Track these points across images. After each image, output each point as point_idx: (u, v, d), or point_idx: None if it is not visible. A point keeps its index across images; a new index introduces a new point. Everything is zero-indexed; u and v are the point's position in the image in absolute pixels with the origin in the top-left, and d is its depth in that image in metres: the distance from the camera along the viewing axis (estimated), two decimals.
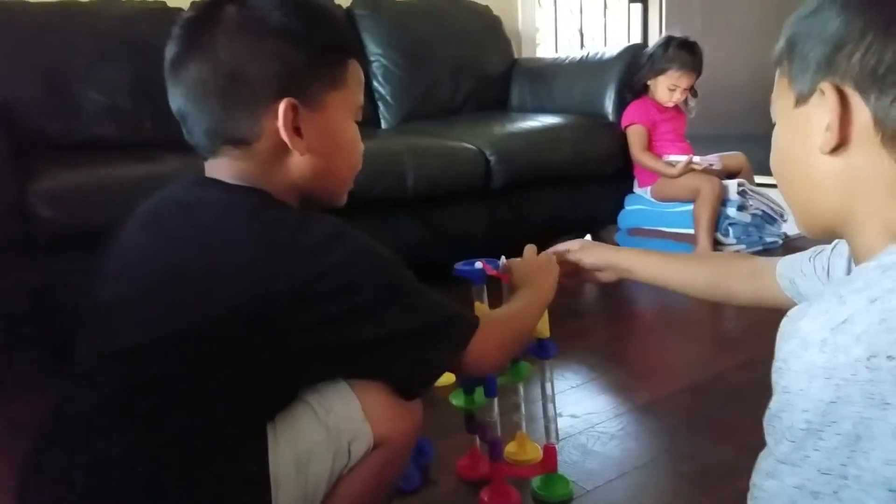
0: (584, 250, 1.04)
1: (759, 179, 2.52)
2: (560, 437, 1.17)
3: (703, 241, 2.28)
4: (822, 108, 0.52)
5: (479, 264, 1.00)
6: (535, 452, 1.17)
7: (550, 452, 1.08)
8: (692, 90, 2.48)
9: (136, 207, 0.80)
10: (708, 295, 0.98)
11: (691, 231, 2.34)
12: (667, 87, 2.43)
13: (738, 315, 1.86)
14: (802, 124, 0.55)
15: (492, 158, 2.09)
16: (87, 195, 1.56)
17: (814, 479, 0.48)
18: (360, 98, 0.83)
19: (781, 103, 0.58)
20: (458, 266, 1.02)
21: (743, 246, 2.38)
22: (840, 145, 0.52)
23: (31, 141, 1.79)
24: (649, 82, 2.46)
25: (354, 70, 0.81)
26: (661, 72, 2.42)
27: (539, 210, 2.28)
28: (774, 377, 0.50)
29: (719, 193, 2.31)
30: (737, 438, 1.22)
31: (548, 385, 1.08)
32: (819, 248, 0.83)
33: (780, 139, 0.59)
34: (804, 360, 0.48)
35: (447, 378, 1.52)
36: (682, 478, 1.14)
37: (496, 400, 1.06)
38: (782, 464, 0.50)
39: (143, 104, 2.02)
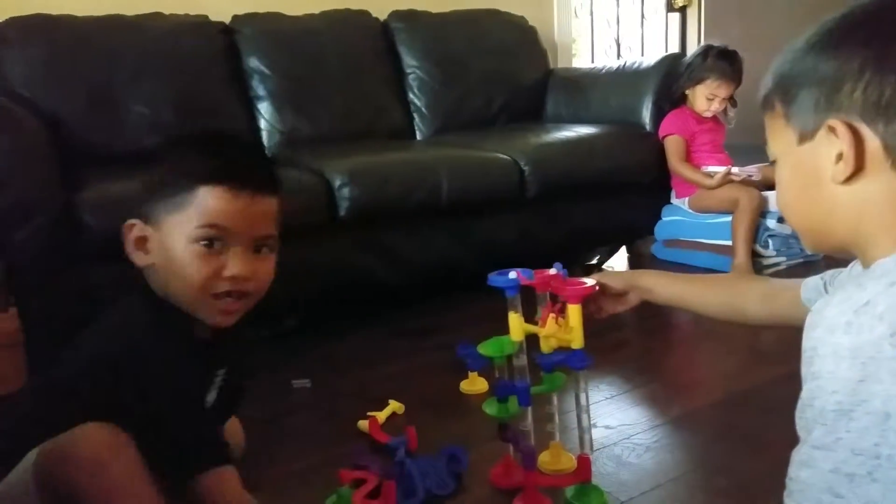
0: (605, 277, 1.06)
1: None
2: (594, 448, 1.16)
3: (741, 253, 2.24)
4: (829, 143, 0.57)
5: (513, 274, 1.01)
6: (569, 462, 1.17)
7: (585, 462, 1.08)
8: (731, 100, 2.45)
9: None
10: (723, 315, 1.00)
11: (730, 243, 2.30)
12: (705, 97, 2.40)
13: (775, 329, 1.83)
14: (810, 159, 0.59)
15: (526, 168, 2.10)
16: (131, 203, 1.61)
17: (848, 460, 0.50)
18: (202, 224, 0.89)
19: (781, 142, 0.62)
20: (493, 276, 1.03)
21: (783, 258, 2.34)
22: (854, 174, 0.56)
23: (78, 153, 1.85)
24: (687, 92, 2.43)
25: (204, 197, 0.88)
26: (700, 81, 2.40)
27: (574, 221, 2.28)
28: (804, 369, 0.53)
29: (758, 205, 2.27)
30: (774, 453, 1.17)
31: (582, 395, 1.07)
32: (834, 271, 0.84)
33: (787, 176, 0.63)
34: (831, 344, 0.51)
35: (480, 386, 1.54)
36: (719, 492, 1.13)
37: (530, 409, 1.06)
38: (816, 450, 0.52)
39: (186, 117, 2.08)
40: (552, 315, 1.02)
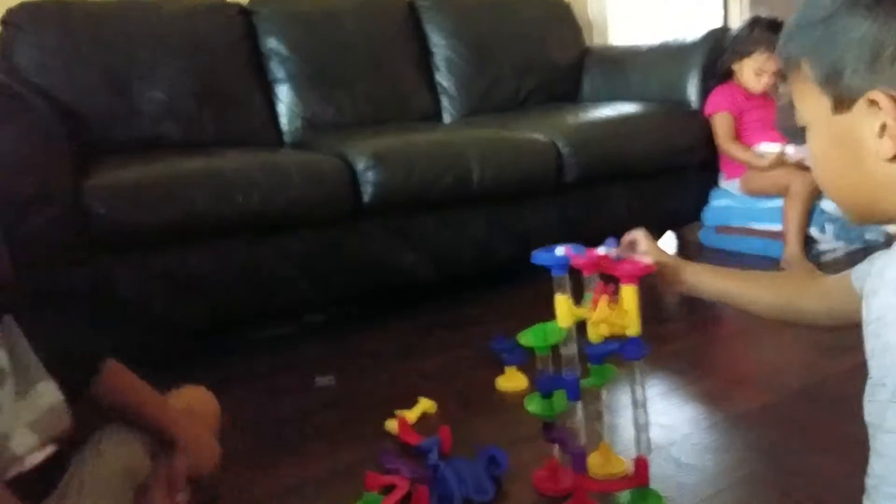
0: (660, 254, 0.92)
1: None
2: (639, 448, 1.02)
3: (793, 241, 2.07)
4: (872, 115, 0.51)
5: (561, 250, 0.88)
6: (619, 465, 1.04)
7: (642, 465, 0.94)
8: (781, 74, 2.28)
9: None
10: (775, 313, 0.88)
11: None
12: (753, 72, 2.23)
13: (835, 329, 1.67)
14: (848, 133, 0.54)
15: (565, 151, 1.96)
16: (142, 192, 1.52)
17: None
18: None
19: (812, 109, 0.57)
20: (538, 253, 0.90)
21: (842, 243, 2.16)
22: None
23: (92, 141, 1.78)
24: (734, 66, 2.27)
25: None
26: (747, 55, 2.23)
27: (616, 207, 2.13)
28: (870, 344, 0.48)
29: (813, 189, 2.09)
30: (846, 451, 1.06)
31: (638, 389, 0.94)
32: (879, 253, 0.71)
33: (822, 147, 0.58)
34: None
35: (518, 382, 1.41)
36: (787, 496, 0.99)
37: (580, 405, 0.93)
38: (891, 434, 0.47)
39: (205, 103, 1.99)
40: (604, 297, 0.89)
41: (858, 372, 1.30)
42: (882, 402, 0.48)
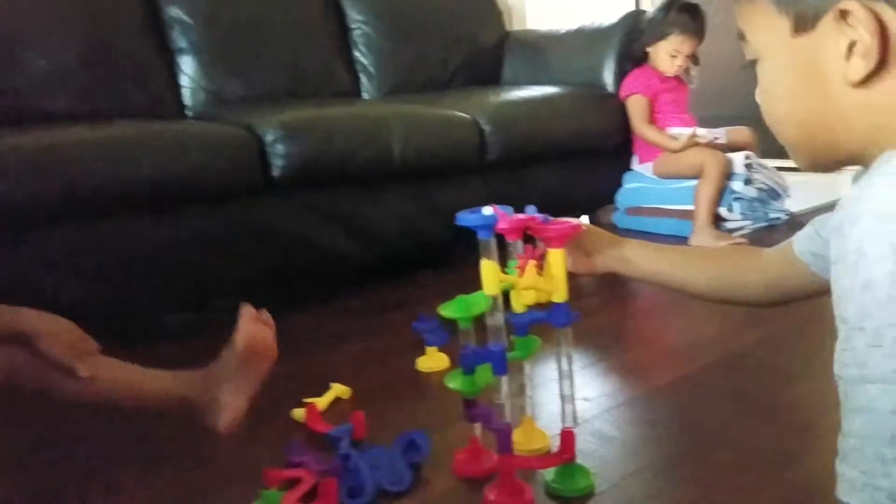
0: (592, 228, 0.90)
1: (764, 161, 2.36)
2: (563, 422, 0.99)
3: (703, 219, 2.12)
4: (839, 32, 0.46)
5: (489, 210, 0.82)
6: (543, 440, 1.00)
7: (568, 438, 0.90)
8: (694, 58, 2.32)
9: None
10: (716, 293, 0.83)
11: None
12: (668, 54, 2.26)
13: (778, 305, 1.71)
14: (810, 57, 0.48)
15: (486, 128, 1.92)
16: (11, 164, 1.34)
17: None
18: None
19: (765, 34, 0.51)
20: (463, 214, 0.84)
21: (748, 222, 2.23)
22: (874, 71, 0.45)
23: None
24: (649, 49, 2.30)
25: None
26: (662, 37, 2.26)
27: (537, 187, 2.11)
28: (841, 284, 0.42)
29: (725, 169, 2.15)
30: (771, 418, 1.07)
31: (563, 359, 0.90)
32: (823, 216, 0.70)
33: (778, 77, 0.52)
34: (885, 236, 0.40)
35: (440, 362, 1.35)
36: (721, 465, 0.97)
37: (505, 379, 0.87)
38: (873, 385, 0.41)
39: (98, 73, 1.83)
40: (532, 263, 0.84)
41: (775, 341, 1.30)
42: (861, 348, 0.42)
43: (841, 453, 0.45)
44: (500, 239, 0.89)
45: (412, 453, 0.98)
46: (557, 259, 0.85)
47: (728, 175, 2.18)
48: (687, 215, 2.20)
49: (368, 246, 1.79)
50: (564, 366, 0.89)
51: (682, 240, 2.13)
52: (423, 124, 1.82)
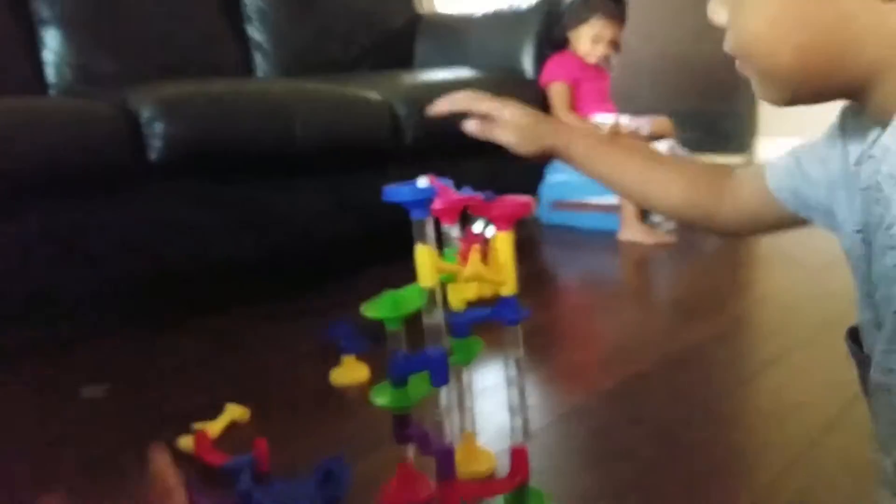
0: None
1: None
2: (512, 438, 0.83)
3: (631, 212, 2.03)
4: None
5: (423, 181, 0.65)
6: (488, 460, 0.84)
7: (520, 457, 0.73)
8: (616, 44, 2.24)
9: None
10: (682, 214, 0.68)
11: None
12: (590, 39, 2.16)
13: (690, 282, 1.62)
14: None
15: (401, 112, 1.73)
16: None
17: None
18: None
19: None
20: (391, 188, 0.65)
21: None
22: None
23: None
24: (570, 34, 2.19)
25: None
26: (584, 21, 2.16)
27: (457, 180, 1.93)
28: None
29: None
30: (733, 417, 0.96)
31: (511, 364, 0.73)
32: (805, 145, 0.59)
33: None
34: None
35: (358, 374, 1.16)
36: (690, 475, 0.84)
37: (444, 390, 0.70)
38: None
39: None
40: (476, 248, 0.67)
41: (721, 337, 1.18)
42: None
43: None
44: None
45: (329, 486, 0.78)
46: (505, 243, 0.69)
47: None
48: (613, 209, 2.10)
49: (268, 243, 1.57)
50: (512, 371, 0.73)
51: (609, 235, 2.04)
52: (328, 105, 1.61)
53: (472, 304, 0.78)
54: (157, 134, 1.35)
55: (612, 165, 0.67)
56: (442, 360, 0.67)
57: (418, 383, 0.74)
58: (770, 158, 0.61)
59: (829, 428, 0.91)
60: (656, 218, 2.12)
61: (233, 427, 0.98)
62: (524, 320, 0.70)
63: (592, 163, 0.67)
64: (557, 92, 2.15)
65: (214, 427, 0.96)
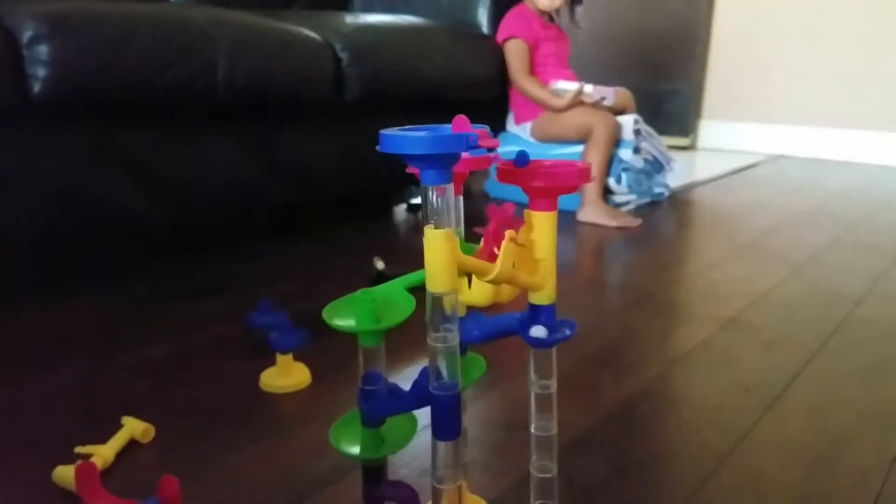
0: None
1: None
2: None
3: (593, 190, 1.86)
4: None
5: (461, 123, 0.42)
6: None
7: None
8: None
9: None
10: None
11: None
12: None
13: (644, 270, 1.47)
14: None
15: (344, 56, 1.48)
16: None
17: None
18: None
19: None
20: (388, 133, 0.42)
21: (634, 196, 2.01)
22: None
23: None
24: None
25: None
26: None
27: None
28: None
29: (614, 134, 1.91)
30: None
31: (541, 397, 0.53)
32: None
33: None
34: None
35: (297, 377, 0.93)
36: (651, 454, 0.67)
37: (451, 446, 0.48)
38: None
39: None
40: (510, 235, 0.46)
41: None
42: None
43: None
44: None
45: None
46: (547, 228, 0.48)
47: (616, 141, 1.93)
48: None
49: (176, 205, 1.29)
50: (545, 418, 0.52)
51: (568, 215, 1.86)
52: (259, 41, 1.34)
53: (472, 309, 0.57)
54: (41, 60, 1.04)
55: None
56: (452, 402, 0.45)
57: (403, 426, 0.53)
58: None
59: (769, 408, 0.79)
60: (617, 198, 1.96)
61: (131, 450, 0.74)
62: (563, 342, 0.49)
63: None
64: (515, 51, 1.95)
65: (106, 451, 0.71)
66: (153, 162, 1.23)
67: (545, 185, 0.46)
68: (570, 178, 0.46)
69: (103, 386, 0.88)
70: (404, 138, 0.39)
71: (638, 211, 1.98)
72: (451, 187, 0.42)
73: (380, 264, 1.16)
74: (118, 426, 0.76)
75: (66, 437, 0.74)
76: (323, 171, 1.49)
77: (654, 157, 2.04)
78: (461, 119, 0.41)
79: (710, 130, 3.21)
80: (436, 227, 0.42)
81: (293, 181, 1.42)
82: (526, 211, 0.49)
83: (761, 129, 3.07)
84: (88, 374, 0.91)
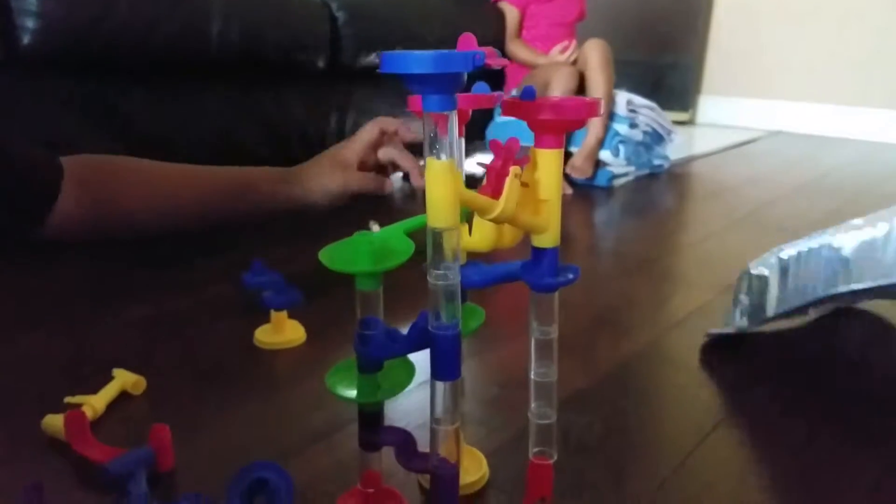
0: None
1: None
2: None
3: (585, 157, 1.85)
4: None
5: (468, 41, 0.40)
6: (479, 468, 0.62)
7: (543, 472, 0.52)
8: None
9: None
10: None
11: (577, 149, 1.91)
12: None
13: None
14: None
15: (339, 15, 1.45)
16: None
17: None
18: None
19: None
20: (393, 53, 0.40)
21: (633, 168, 2.00)
22: None
23: None
24: None
25: None
26: None
27: (400, 112, 1.69)
28: None
29: (569, 84, 1.88)
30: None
31: (541, 346, 0.51)
32: None
33: None
34: None
35: (291, 333, 0.93)
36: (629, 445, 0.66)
37: (449, 386, 0.47)
38: None
39: None
40: (514, 172, 0.44)
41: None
42: None
43: None
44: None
45: (261, 500, 0.55)
46: (553, 166, 0.46)
47: (609, 113, 1.93)
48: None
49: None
50: (544, 364, 0.51)
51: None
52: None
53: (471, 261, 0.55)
54: (30, 11, 1.01)
55: None
56: (453, 342, 0.44)
57: (400, 370, 0.51)
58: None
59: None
60: (615, 170, 1.95)
61: (122, 402, 0.73)
62: (566, 285, 0.48)
63: None
64: (506, 16, 1.92)
65: (96, 403, 0.70)
66: (143, 119, 1.21)
67: (552, 117, 0.45)
68: (577, 112, 0.45)
69: (95, 342, 0.87)
70: (407, 56, 0.37)
71: (637, 182, 1.97)
72: (455, 115, 0.41)
73: (375, 227, 1.15)
74: (109, 380, 0.74)
75: (55, 390, 0.72)
76: (317, 133, 1.47)
77: (653, 129, 2.02)
78: (467, 37, 0.39)
79: (710, 105, 3.18)
80: (436, 158, 0.41)
81: (286, 142, 1.39)
82: (532, 149, 0.47)
83: (761, 104, 3.05)
84: (80, 331, 0.90)
